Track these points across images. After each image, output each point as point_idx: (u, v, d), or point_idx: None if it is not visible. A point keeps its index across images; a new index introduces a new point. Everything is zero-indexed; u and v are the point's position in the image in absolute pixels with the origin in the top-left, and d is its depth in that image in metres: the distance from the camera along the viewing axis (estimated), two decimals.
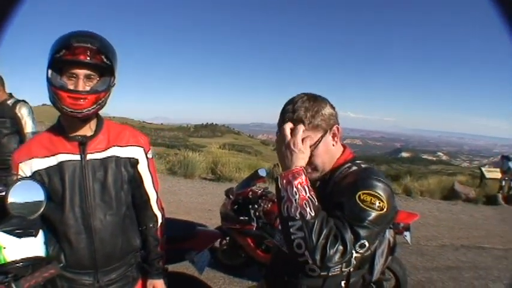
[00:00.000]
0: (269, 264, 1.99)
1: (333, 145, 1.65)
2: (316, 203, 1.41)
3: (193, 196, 10.23)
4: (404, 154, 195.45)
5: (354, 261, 1.39)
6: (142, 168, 2.12)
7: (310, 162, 1.59)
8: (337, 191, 1.52)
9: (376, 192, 1.43)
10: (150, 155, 2.16)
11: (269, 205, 4.72)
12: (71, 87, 1.73)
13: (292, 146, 1.49)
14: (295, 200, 1.40)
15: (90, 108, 1.78)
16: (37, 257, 1.69)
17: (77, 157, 1.88)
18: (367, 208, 1.40)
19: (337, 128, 1.64)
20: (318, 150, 1.59)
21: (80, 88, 1.74)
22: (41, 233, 1.76)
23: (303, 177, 1.45)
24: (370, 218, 1.39)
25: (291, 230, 1.38)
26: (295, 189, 1.41)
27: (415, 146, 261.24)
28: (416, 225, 7.83)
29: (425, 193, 13.61)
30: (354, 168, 1.60)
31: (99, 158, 1.92)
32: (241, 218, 4.67)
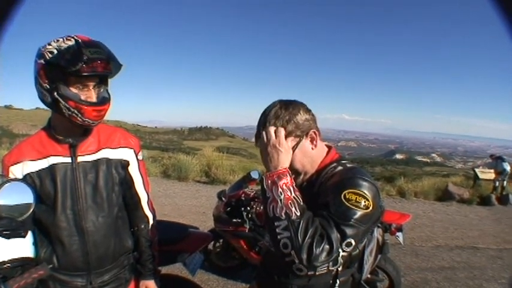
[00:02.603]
0: (260, 265, 1.99)
1: (312, 148, 1.67)
2: (302, 203, 1.42)
3: (188, 199, 10.22)
4: (399, 156, 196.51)
5: (340, 260, 1.40)
6: (133, 170, 2.11)
7: (290, 168, 1.58)
8: (323, 190, 1.53)
9: (362, 191, 1.44)
10: (140, 157, 2.16)
11: (261, 207, 4.71)
12: (83, 97, 1.73)
13: (278, 146, 1.51)
14: (281, 200, 1.41)
15: (103, 117, 1.83)
16: (26, 257, 1.69)
17: (68, 159, 1.87)
18: (353, 207, 1.41)
19: (314, 132, 1.66)
20: (295, 156, 1.61)
21: (94, 99, 1.76)
22: (30, 234, 1.77)
23: (288, 178, 1.47)
24: (356, 216, 1.40)
25: (277, 230, 1.39)
26: (280, 189, 1.43)
27: (410, 148, 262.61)
28: (411, 226, 7.85)
29: (420, 194, 13.69)
30: (340, 168, 1.61)
31: (90, 160, 1.91)
32: (234, 220, 4.67)
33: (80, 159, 1.88)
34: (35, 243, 1.81)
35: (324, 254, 1.34)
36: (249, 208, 4.66)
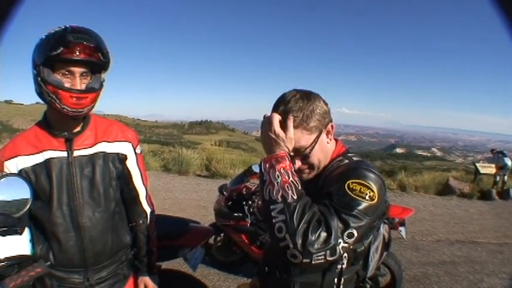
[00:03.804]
0: (261, 261, 1.97)
1: (327, 142, 1.62)
2: (300, 188, 1.38)
3: (188, 193, 10.22)
4: (399, 150, 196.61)
5: (340, 251, 1.32)
6: (131, 164, 2.08)
7: (307, 162, 1.58)
8: (327, 182, 1.50)
9: (367, 182, 1.40)
10: (138, 150, 2.12)
11: None
12: (67, 85, 1.69)
13: (281, 135, 1.46)
14: (278, 183, 1.37)
15: (89, 107, 1.76)
16: (23, 255, 1.66)
17: (64, 154, 1.84)
18: (357, 197, 1.37)
19: (332, 126, 1.61)
20: (314, 150, 1.56)
21: (78, 87, 1.71)
22: (26, 231, 1.74)
23: (287, 162, 1.42)
24: (360, 207, 1.36)
25: (272, 213, 1.34)
26: (277, 172, 1.38)
27: (410, 142, 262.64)
28: (411, 221, 7.84)
29: (420, 189, 13.70)
30: (346, 161, 1.58)
31: (86, 154, 1.88)
32: (235, 214, 4.65)
33: (76, 153, 1.85)
34: (32, 240, 1.77)
35: (321, 241, 1.28)
36: (250, 202, 4.63)
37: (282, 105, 1.54)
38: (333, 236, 1.30)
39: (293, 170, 1.43)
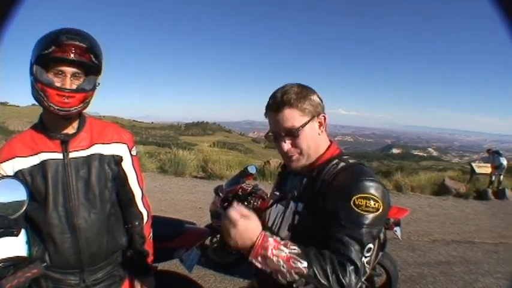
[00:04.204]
0: None
1: (319, 134, 1.65)
2: (299, 250, 1.36)
3: (184, 194, 10.23)
4: (395, 150, 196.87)
5: (366, 267, 1.39)
6: (127, 166, 2.08)
7: (296, 145, 1.60)
8: (329, 193, 1.49)
9: (370, 194, 1.42)
10: (134, 152, 2.13)
11: (259, 202, 4.72)
12: (58, 84, 1.70)
13: (243, 221, 1.37)
14: (282, 266, 1.33)
15: (77, 107, 1.76)
16: (19, 256, 1.66)
17: (60, 156, 1.84)
18: (363, 212, 1.39)
19: (324, 117, 1.66)
20: (303, 132, 1.59)
21: (68, 86, 1.71)
22: (23, 233, 1.73)
23: (271, 240, 1.36)
24: (368, 221, 1.39)
25: (301, 287, 1.36)
26: (274, 258, 1.33)
27: (406, 142, 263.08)
28: (407, 221, 7.86)
29: (416, 189, 13.75)
30: (342, 164, 1.58)
31: (82, 156, 1.88)
32: None
33: (71, 155, 1.85)
34: (28, 242, 1.77)
35: (353, 277, 1.33)
36: (246, 203, 4.63)
37: (280, 90, 1.62)
38: (359, 265, 1.35)
39: (280, 240, 1.40)
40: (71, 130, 1.88)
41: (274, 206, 1.81)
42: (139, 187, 2.16)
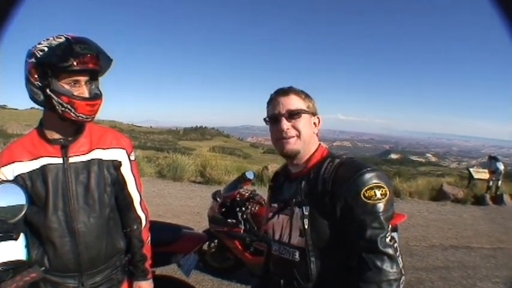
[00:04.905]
0: (265, 272, 2.00)
1: (313, 131, 1.76)
2: None
3: (182, 199, 10.25)
4: (394, 156, 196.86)
5: (396, 246, 1.53)
6: (125, 170, 2.09)
7: (294, 126, 1.68)
8: (337, 191, 1.56)
9: (375, 183, 1.51)
10: (132, 157, 2.14)
11: (256, 208, 4.73)
12: (76, 93, 1.74)
13: None
14: None
15: (97, 113, 1.83)
16: (18, 260, 1.67)
17: (60, 160, 1.85)
18: (375, 202, 1.49)
19: (319, 119, 1.79)
20: (304, 117, 1.70)
21: (87, 95, 1.78)
22: (22, 237, 1.75)
23: None
24: (382, 209, 1.50)
25: None
26: None
27: (405, 148, 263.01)
28: (405, 226, 7.87)
29: (414, 194, 13.76)
30: (337, 160, 1.65)
31: (81, 161, 1.90)
32: (229, 220, 4.67)
33: (71, 159, 1.87)
34: (27, 246, 1.79)
35: (389, 264, 1.47)
36: (244, 209, 4.65)
37: (285, 87, 1.76)
38: (391, 252, 1.49)
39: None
40: (70, 135, 1.90)
41: (276, 218, 1.82)
42: (138, 192, 2.17)
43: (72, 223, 1.85)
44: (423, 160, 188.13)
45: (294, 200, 1.68)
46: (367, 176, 1.52)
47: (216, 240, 5.19)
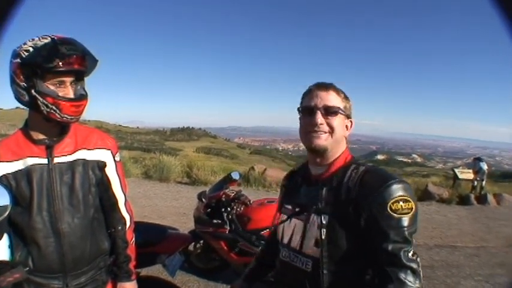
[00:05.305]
0: (275, 279, 1.96)
1: (345, 134, 1.72)
2: None
3: (168, 200, 10.24)
4: (380, 156, 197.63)
5: (418, 261, 1.49)
6: (110, 171, 2.11)
7: (328, 122, 1.64)
8: (362, 202, 1.52)
9: (402, 196, 1.48)
10: (117, 158, 2.16)
11: (242, 208, 4.74)
12: (61, 94, 1.74)
13: None
14: None
15: (82, 113, 1.84)
16: (1, 261, 1.68)
17: (44, 161, 1.85)
18: (401, 215, 1.47)
19: (351, 122, 1.74)
20: (340, 116, 1.66)
21: (72, 95, 1.78)
22: (5, 237, 1.76)
23: None
24: (407, 223, 1.47)
25: None
26: None
27: (391, 149, 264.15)
28: None
29: None
30: (362, 168, 1.62)
31: (66, 161, 1.90)
32: (214, 221, 4.66)
33: (56, 160, 1.87)
34: (11, 246, 1.79)
35: (412, 278, 1.44)
36: (229, 209, 4.66)
37: (326, 83, 1.72)
38: (415, 267, 1.46)
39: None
40: (55, 136, 1.90)
41: (288, 221, 1.77)
42: (123, 192, 2.19)
43: (56, 223, 1.86)
44: (409, 161, 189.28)
45: (314, 206, 1.63)
46: (394, 187, 1.49)
47: (201, 241, 5.19)
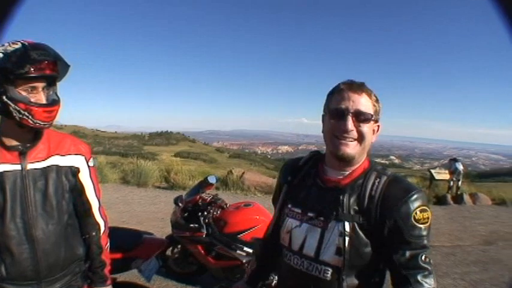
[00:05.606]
0: (280, 285, 1.91)
1: (371, 140, 1.63)
2: None
3: (146, 205, 10.18)
4: None
5: (432, 264, 1.54)
6: (84, 177, 2.10)
7: (359, 129, 1.55)
8: (388, 212, 1.52)
9: (423, 206, 1.51)
10: (91, 163, 2.15)
11: (218, 212, 4.74)
12: (33, 100, 1.74)
13: None
14: None
15: (54, 119, 1.83)
16: None
17: (17, 167, 1.84)
18: (422, 225, 1.50)
19: (379, 126, 1.66)
20: (370, 123, 1.58)
21: (45, 101, 1.77)
22: None
23: None
24: (426, 232, 1.52)
25: None
26: None
27: (368, 150, 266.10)
28: None
29: None
30: (384, 178, 1.59)
31: (39, 167, 1.89)
32: (191, 225, 4.64)
33: (29, 166, 1.86)
34: None
35: (431, 280, 1.51)
36: (206, 213, 4.65)
37: (359, 82, 1.62)
38: (430, 269, 1.52)
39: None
40: (28, 142, 1.89)
41: (298, 225, 1.67)
42: (97, 198, 2.19)
43: (30, 230, 1.84)
44: (387, 162, 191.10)
45: (334, 213, 1.56)
46: (417, 198, 1.50)
47: (179, 246, 5.17)
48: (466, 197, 14.26)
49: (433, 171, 18.21)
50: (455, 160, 17.02)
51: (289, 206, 1.74)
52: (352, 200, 1.56)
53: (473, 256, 7.52)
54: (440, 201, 14.07)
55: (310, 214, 1.64)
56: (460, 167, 16.38)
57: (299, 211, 1.69)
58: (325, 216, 1.58)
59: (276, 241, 1.83)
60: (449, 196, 14.59)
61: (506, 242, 8.88)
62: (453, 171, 16.19)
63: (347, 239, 1.52)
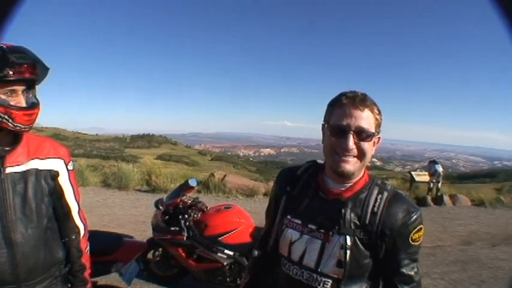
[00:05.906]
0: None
1: (371, 155, 1.62)
2: None
3: (127, 208, 10.13)
4: None
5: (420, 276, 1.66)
6: (63, 180, 2.10)
7: (359, 145, 1.54)
8: (388, 231, 1.55)
9: (420, 226, 1.59)
10: (70, 167, 2.15)
11: (199, 214, 4.76)
12: (13, 103, 1.73)
13: None
14: None
15: (34, 122, 1.83)
16: None
17: None
18: (417, 244, 1.60)
19: (379, 138, 1.65)
20: (372, 141, 1.58)
21: (24, 104, 1.77)
22: None
23: None
24: (419, 249, 1.62)
25: None
26: None
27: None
28: None
29: None
30: (386, 194, 1.62)
31: (18, 171, 1.89)
32: (172, 228, 4.66)
33: (8, 170, 1.85)
34: None
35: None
36: (186, 216, 4.67)
37: (360, 93, 1.57)
38: (419, 280, 1.64)
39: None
40: (8, 145, 1.88)
41: (298, 237, 1.66)
42: (76, 201, 2.19)
43: (9, 234, 1.83)
44: (368, 164, 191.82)
45: (336, 226, 1.56)
46: (416, 218, 1.56)
47: (160, 249, 5.18)
48: (446, 198, 14.41)
49: (413, 173, 18.39)
50: (434, 162, 17.21)
51: (289, 216, 1.72)
52: (353, 214, 1.57)
53: (452, 256, 7.64)
54: (420, 202, 14.12)
55: (310, 226, 1.63)
56: (440, 168, 16.58)
57: (299, 222, 1.67)
58: (327, 229, 1.58)
59: (270, 251, 1.84)
60: (429, 197, 14.73)
61: (484, 242, 9.03)
62: (433, 173, 16.38)
63: (348, 252, 1.53)
